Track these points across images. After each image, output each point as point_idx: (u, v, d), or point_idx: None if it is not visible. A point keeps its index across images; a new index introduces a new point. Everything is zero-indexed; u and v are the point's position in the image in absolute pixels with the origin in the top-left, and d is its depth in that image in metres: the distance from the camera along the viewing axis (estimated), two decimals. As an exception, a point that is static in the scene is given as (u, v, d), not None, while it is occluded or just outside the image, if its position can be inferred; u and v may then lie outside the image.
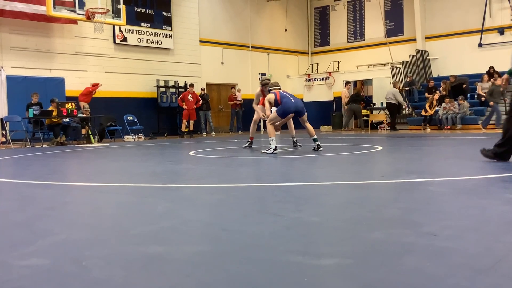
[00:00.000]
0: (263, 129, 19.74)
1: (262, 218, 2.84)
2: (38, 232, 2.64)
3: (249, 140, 9.11)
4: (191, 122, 16.00)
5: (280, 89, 8.19)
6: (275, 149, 7.45)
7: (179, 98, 16.24)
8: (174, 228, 2.65)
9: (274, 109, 8.00)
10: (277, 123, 8.08)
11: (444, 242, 2.16)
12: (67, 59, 14.81)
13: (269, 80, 8.85)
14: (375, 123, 18.07)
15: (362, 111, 19.07)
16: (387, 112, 17.65)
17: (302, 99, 21.37)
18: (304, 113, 7.98)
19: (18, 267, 2.00)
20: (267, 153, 7.40)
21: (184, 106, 15.84)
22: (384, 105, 17.85)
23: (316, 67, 21.76)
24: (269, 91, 8.20)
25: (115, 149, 10.32)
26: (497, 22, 17.32)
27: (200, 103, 16.26)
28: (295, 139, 8.67)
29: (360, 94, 17.94)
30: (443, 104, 15.70)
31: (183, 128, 16.07)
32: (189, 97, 15.87)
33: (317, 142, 7.85)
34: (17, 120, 12.34)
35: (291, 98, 7.85)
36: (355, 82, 20.09)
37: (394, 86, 16.59)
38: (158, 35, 16.97)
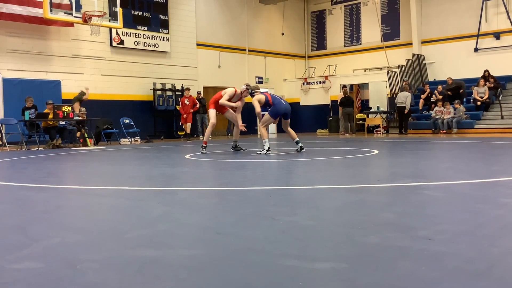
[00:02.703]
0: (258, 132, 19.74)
1: (257, 221, 2.84)
2: (33, 236, 2.63)
3: (203, 145, 8.74)
4: (189, 125, 16.04)
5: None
6: (269, 149, 7.88)
7: (180, 106, 16.30)
8: (169, 232, 2.64)
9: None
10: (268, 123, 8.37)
11: (439, 246, 2.16)
12: (64, 62, 14.79)
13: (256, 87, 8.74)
14: (372, 127, 18.10)
15: (358, 115, 19.11)
16: (385, 116, 17.69)
17: (298, 103, 21.48)
18: (289, 116, 8.36)
19: (12, 271, 1.99)
20: (261, 154, 7.84)
21: (180, 110, 15.98)
22: (381, 108, 17.90)
23: (313, 70, 21.80)
24: (252, 94, 8.34)
25: (111, 152, 10.30)
26: (493, 26, 17.40)
27: (198, 106, 16.28)
28: (237, 144, 9.05)
29: (349, 97, 17.88)
30: (436, 108, 15.83)
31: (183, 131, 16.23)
32: (186, 101, 15.92)
33: (300, 144, 8.12)
34: (13, 122, 12.30)
35: (282, 100, 8.23)
36: (351, 86, 20.12)
37: (404, 90, 16.45)
38: (155, 38, 16.97)
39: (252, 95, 8.34)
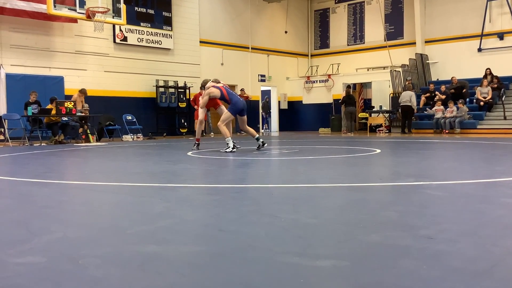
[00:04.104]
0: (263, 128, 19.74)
1: (259, 219, 2.84)
2: (35, 230, 2.63)
3: (196, 142, 9.06)
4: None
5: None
6: (234, 147, 7.97)
7: (191, 100, 16.40)
8: (171, 228, 2.65)
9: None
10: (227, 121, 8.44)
11: (441, 246, 2.16)
12: (67, 58, 14.81)
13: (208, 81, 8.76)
14: (374, 126, 18.08)
15: (361, 114, 19.09)
16: (388, 116, 17.67)
17: (301, 101, 21.47)
18: (245, 113, 8.48)
19: (14, 265, 2.00)
20: (226, 152, 7.90)
21: (196, 107, 16.00)
22: (384, 107, 17.88)
23: (316, 69, 21.78)
24: (204, 87, 8.50)
25: (113, 149, 10.31)
26: (496, 27, 17.36)
27: None
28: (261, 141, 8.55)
29: (351, 96, 17.85)
30: (435, 107, 15.90)
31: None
32: (200, 98, 15.94)
33: (261, 140, 8.26)
34: (16, 118, 12.33)
35: (238, 96, 8.40)
36: (354, 84, 20.09)
37: (408, 89, 16.47)
38: (158, 35, 16.97)
39: (204, 87, 8.50)
